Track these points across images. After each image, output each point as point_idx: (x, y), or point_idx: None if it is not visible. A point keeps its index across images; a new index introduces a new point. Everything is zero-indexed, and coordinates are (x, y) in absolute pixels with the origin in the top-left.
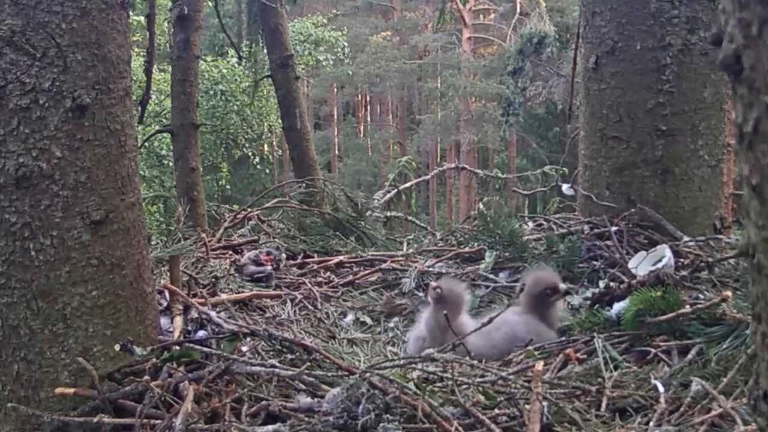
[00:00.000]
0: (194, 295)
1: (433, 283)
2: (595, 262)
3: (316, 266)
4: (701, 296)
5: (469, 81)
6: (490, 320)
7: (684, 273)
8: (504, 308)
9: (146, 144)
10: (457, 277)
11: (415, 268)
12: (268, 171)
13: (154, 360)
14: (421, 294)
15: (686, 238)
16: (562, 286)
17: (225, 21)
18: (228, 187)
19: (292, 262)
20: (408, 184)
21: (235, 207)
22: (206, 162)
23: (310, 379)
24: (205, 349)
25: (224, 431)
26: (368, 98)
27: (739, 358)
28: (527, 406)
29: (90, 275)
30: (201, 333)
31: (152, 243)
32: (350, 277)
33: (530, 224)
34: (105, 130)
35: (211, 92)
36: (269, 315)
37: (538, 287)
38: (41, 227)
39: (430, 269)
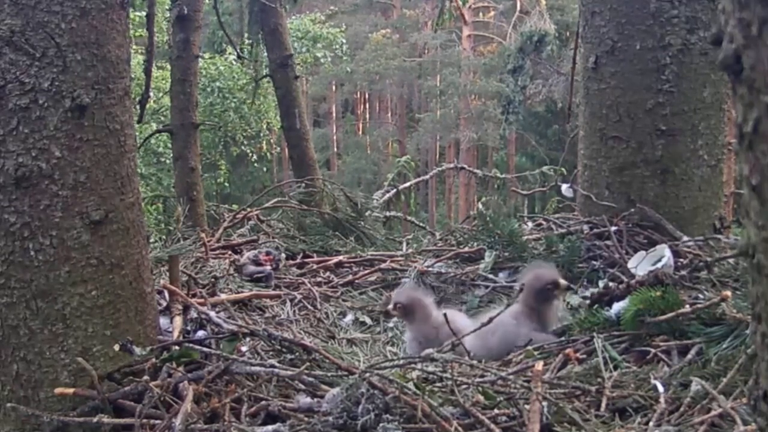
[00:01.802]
0: (194, 295)
1: (390, 305)
2: (594, 262)
3: (315, 266)
4: (701, 296)
5: (468, 79)
6: (490, 320)
7: (683, 273)
8: (504, 308)
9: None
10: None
11: (415, 268)
12: (266, 169)
13: (154, 360)
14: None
15: (686, 238)
16: (563, 282)
17: (224, 19)
18: (227, 185)
19: (291, 262)
20: (407, 184)
21: (235, 206)
22: (205, 160)
23: (310, 379)
24: (205, 349)
25: (224, 431)
26: (367, 96)
27: (739, 358)
28: (527, 406)
29: (89, 275)
30: (200, 333)
31: (151, 243)
32: (350, 277)
33: (529, 224)
34: (104, 129)
35: (209, 89)
36: (269, 315)
37: (539, 283)
38: (41, 227)
39: (430, 269)
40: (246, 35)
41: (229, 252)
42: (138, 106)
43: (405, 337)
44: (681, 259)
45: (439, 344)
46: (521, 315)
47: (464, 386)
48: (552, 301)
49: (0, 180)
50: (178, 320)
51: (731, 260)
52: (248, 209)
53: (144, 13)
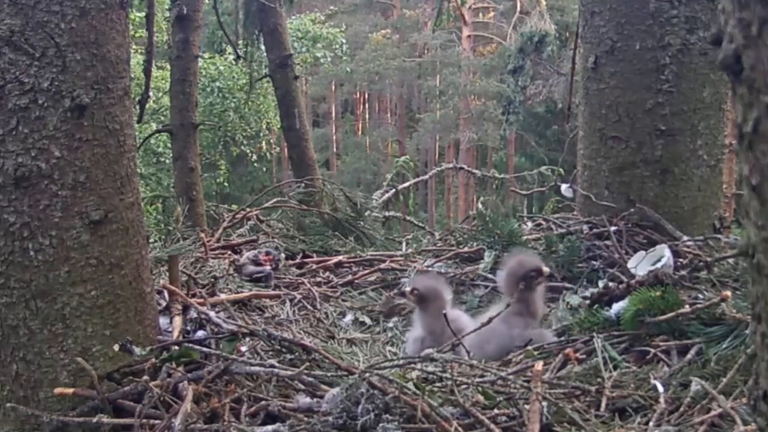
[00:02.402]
0: (193, 295)
1: (407, 288)
2: (594, 262)
3: (315, 266)
4: (700, 296)
5: (468, 79)
6: (490, 320)
7: (683, 273)
8: (505, 307)
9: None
10: (432, 272)
11: (414, 268)
12: (266, 169)
13: (154, 360)
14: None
15: (685, 238)
16: (546, 269)
17: (224, 19)
18: (227, 185)
19: (291, 262)
20: (406, 184)
21: (234, 206)
22: (204, 160)
23: (310, 379)
24: (205, 349)
25: (224, 431)
26: (367, 96)
27: (739, 358)
28: (527, 406)
29: (89, 275)
30: (200, 333)
31: (151, 243)
32: (349, 277)
33: (529, 224)
34: (104, 129)
35: (209, 89)
36: (268, 315)
37: (522, 269)
38: (40, 227)
39: (430, 269)
40: (242, 35)
41: (229, 252)
42: (138, 106)
43: (405, 337)
44: (681, 259)
45: (440, 344)
46: (509, 315)
47: (464, 386)
48: (536, 289)
49: (0, 180)
50: (177, 320)
51: (731, 260)
52: (248, 209)
53: (144, 13)
